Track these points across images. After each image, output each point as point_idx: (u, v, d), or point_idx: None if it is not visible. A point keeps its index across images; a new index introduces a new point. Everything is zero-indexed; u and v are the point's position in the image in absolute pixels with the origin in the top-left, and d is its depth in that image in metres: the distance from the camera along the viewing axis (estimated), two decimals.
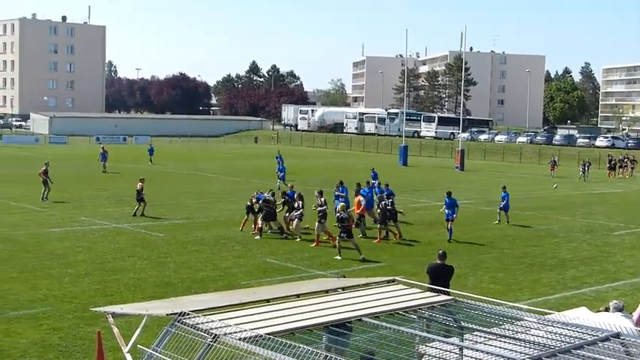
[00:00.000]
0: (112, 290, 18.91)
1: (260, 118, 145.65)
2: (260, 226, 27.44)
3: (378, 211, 28.44)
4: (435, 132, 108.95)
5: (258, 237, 27.01)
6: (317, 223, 26.47)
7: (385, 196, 28.57)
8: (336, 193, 30.87)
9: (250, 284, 19.13)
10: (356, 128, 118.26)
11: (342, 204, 25.57)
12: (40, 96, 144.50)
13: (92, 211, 33.65)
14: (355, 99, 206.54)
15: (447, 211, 28.37)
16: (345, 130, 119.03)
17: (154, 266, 21.95)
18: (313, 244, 25.89)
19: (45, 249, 24.39)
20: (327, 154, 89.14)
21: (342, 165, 65.31)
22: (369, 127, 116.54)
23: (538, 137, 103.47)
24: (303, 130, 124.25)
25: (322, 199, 26.84)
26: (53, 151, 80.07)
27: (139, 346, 7.86)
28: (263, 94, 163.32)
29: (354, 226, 26.34)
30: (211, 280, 20.13)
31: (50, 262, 22.16)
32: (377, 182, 37.51)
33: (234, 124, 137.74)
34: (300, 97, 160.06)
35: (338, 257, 23.68)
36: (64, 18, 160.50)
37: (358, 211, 29.01)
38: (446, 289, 9.76)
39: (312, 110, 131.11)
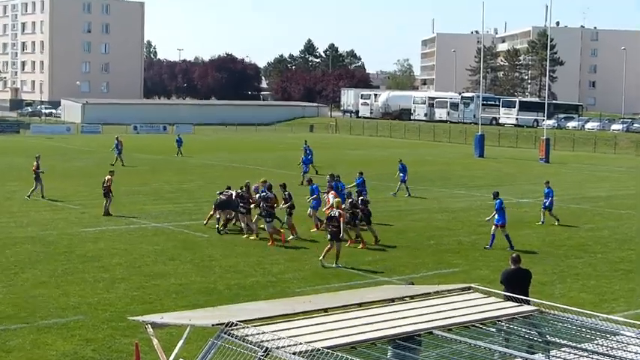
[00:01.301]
0: (152, 297, 19.14)
1: (316, 104, 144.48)
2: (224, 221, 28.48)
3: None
4: (516, 119, 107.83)
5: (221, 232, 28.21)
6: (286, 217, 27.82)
7: (357, 192, 28.88)
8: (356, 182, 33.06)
9: (305, 291, 19.29)
10: (425, 115, 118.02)
11: (337, 199, 25.55)
12: (72, 80, 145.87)
13: (129, 208, 34.22)
14: (424, 82, 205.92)
15: (496, 216, 27.13)
16: (412, 117, 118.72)
17: (197, 271, 22.15)
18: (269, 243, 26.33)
19: (77, 251, 24.83)
20: (392, 144, 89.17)
21: (410, 156, 64.39)
22: (440, 113, 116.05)
23: (636, 124, 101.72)
24: (364, 117, 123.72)
25: (286, 193, 28.14)
26: (86, 141, 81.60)
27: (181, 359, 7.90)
28: (320, 76, 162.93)
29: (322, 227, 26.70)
30: (261, 287, 20.33)
31: (83, 266, 22.52)
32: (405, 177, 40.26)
33: (288, 110, 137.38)
34: (362, 80, 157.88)
35: (335, 265, 23.18)
36: None
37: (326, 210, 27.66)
38: (528, 299, 9.67)
39: (375, 95, 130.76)
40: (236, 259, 23.83)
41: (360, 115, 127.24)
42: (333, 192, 28.38)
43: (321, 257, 23.18)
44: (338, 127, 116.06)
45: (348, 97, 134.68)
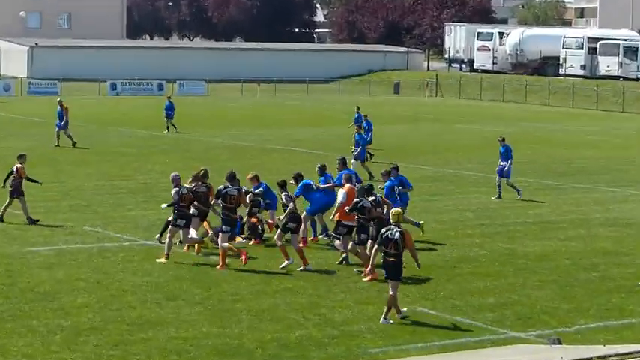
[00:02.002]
0: None
1: (405, 49, 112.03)
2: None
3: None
4: None
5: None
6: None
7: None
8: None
9: (388, 353, 17.04)
10: (582, 67, 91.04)
11: (396, 211, 20.41)
12: (14, 11, 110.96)
13: (103, 215, 29.63)
14: (581, 13, 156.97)
15: None
16: (561, 71, 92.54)
17: (212, 317, 19.33)
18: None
19: (21, 283, 21.61)
20: (528, 114, 73.67)
21: (556, 134, 56.28)
22: (608, 64, 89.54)
23: None
24: (483, 71, 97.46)
25: (285, 195, 23.81)
26: (34, 106, 67.66)
27: None
28: (409, 5, 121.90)
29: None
30: (316, 345, 17.67)
31: (30, 307, 19.64)
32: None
33: (358, 58, 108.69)
34: (479, 11, 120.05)
35: (383, 320, 19.38)
36: None
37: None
38: None
39: (502, 34, 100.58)
40: (274, 298, 20.75)
41: (475, 66, 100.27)
42: (348, 186, 24.06)
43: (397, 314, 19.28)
44: (440, 86, 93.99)
45: (457, 37, 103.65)
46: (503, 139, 34.44)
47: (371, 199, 22.99)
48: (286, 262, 22.79)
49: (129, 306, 20.09)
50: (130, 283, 21.98)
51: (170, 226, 23.76)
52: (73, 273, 22.69)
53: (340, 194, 23.85)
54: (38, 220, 27.25)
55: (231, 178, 23.57)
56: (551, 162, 43.85)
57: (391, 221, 19.71)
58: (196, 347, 17.54)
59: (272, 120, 64.95)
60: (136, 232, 27.23)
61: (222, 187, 23.31)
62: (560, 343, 12.97)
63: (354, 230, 22.88)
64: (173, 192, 23.72)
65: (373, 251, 20.22)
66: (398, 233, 18.97)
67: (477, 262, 24.31)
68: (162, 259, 23.21)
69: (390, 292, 18.95)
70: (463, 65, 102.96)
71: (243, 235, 25.46)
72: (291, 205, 23.08)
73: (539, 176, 38.95)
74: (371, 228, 22.24)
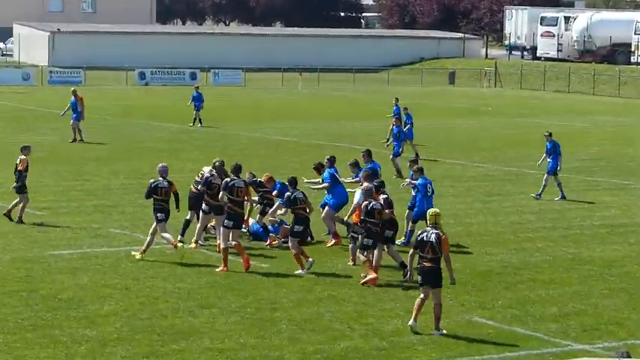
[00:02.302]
0: None
1: (461, 34, 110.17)
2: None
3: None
4: None
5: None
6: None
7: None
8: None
9: None
10: None
11: (433, 211, 20.32)
12: None
13: (131, 217, 29.09)
14: None
15: None
16: (633, 59, 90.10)
17: (250, 327, 19.18)
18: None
19: (42, 290, 21.33)
20: (597, 107, 71.95)
21: (628, 130, 54.69)
22: None
23: None
24: (547, 59, 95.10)
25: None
26: (55, 97, 63.85)
27: None
28: None
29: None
30: (363, 357, 17.64)
31: (52, 316, 19.40)
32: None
33: (410, 45, 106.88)
34: None
35: (436, 332, 19.36)
36: None
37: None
38: None
39: (567, 18, 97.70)
40: (317, 307, 20.51)
41: (538, 54, 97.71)
42: (367, 185, 23.50)
43: (412, 320, 19.01)
44: (499, 75, 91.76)
45: (518, 22, 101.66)
46: (550, 134, 33.73)
47: (382, 197, 22.83)
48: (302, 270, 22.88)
49: (159, 315, 19.90)
50: (161, 289, 21.82)
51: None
52: (99, 279, 22.60)
53: (357, 194, 23.76)
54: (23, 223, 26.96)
55: (237, 170, 23.72)
56: (620, 159, 43.17)
57: (428, 222, 19.29)
58: (234, 359, 17.40)
59: (315, 113, 63.81)
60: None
61: (228, 179, 23.47)
62: (630, 357, 12.50)
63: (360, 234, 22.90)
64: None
65: (409, 256, 19.92)
66: (434, 235, 18.58)
67: (539, 269, 23.97)
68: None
69: (434, 301, 18.67)
70: (525, 53, 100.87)
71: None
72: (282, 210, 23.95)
73: (607, 175, 38.37)
74: (360, 237, 22.26)
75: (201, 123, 51.07)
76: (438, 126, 53.29)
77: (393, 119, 40.65)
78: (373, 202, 22.40)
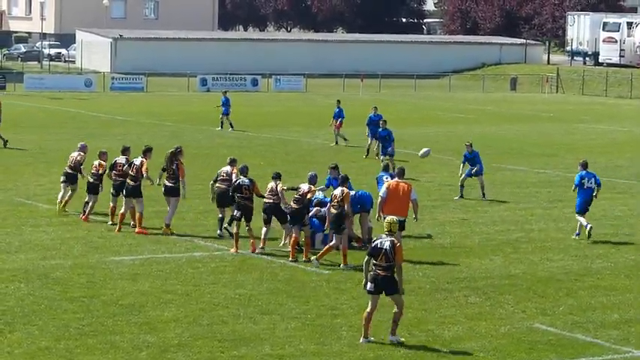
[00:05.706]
0: None
1: (523, 40, 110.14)
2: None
3: None
4: None
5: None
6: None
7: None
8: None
9: None
10: None
11: None
12: (96, 0, 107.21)
13: (192, 222, 28.98)
14: None
15: None
16: None
17: (310, 333, 19.20)
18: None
19: (103, 295, 21.39)
20: None
21: None
22: None
23: None
24: (609, 65, 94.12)
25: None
26: (117, 103, 66.49)
27: None
28: None
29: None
30: None
31: (113, 321, 19.44)
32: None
33: (471, 52, 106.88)
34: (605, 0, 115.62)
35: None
36: None
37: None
38: None
39: (630, 24, 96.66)
40: (377, 313, 19.54)
41: (600, 60, 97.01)
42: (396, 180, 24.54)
43: (362, 338, 18.81)
44: (561, 81, 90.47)
45: (580, 28, 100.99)
46: (471, 144, 33.55)
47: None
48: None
49: (220, 321, 19.87)
50: (222, 296, 21.75)
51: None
52: (160, 285, 22.59)
53: (382, 189, 24.28)
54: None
55: (244, 170, 25.31)
56: None
57: (384, 230, 18.96)
58: None
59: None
60: (229, 242, 26.59)
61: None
62: None
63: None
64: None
65: (364, 263, 19.20)
66: (388, 243, 18.28)
67: (600, 275, 23.76)
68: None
69: (396, 308, 18.37)
70: (587, 59, 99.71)
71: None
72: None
73: None
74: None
75: (232, 127, 51.21)
76: (500, 132, 52.97)
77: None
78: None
